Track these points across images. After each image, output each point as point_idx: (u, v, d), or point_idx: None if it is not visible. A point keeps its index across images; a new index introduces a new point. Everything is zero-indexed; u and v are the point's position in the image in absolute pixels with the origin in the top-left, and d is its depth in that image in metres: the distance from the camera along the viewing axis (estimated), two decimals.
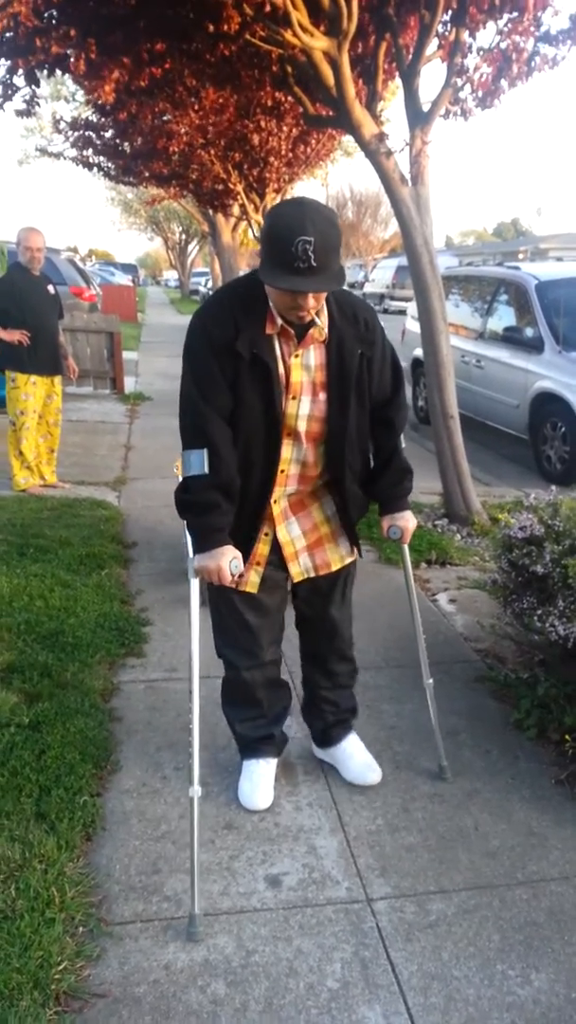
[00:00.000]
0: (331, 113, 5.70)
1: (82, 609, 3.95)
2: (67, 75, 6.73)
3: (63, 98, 21.59)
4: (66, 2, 5.08)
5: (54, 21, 5.38)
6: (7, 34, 5.23)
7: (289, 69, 5.87)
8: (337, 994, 1.99)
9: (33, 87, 6.19)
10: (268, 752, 2.76)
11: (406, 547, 2.68)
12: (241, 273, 21.36)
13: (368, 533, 4.95)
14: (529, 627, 3.28)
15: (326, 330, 2.24)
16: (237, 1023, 1.90)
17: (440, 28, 5.48)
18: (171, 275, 59.21)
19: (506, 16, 5.42)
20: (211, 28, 5.39)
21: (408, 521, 2.56)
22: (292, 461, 2.37)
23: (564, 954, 2.13)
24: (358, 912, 2.25)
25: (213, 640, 2.66)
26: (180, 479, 2.29)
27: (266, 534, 2.46)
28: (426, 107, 5.49)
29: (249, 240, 21.09)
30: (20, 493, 6.01)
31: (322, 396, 2.29)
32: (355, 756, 2.86)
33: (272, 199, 14.78)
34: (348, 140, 13.23)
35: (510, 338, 7.83)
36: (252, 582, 2.50)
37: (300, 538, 2.53)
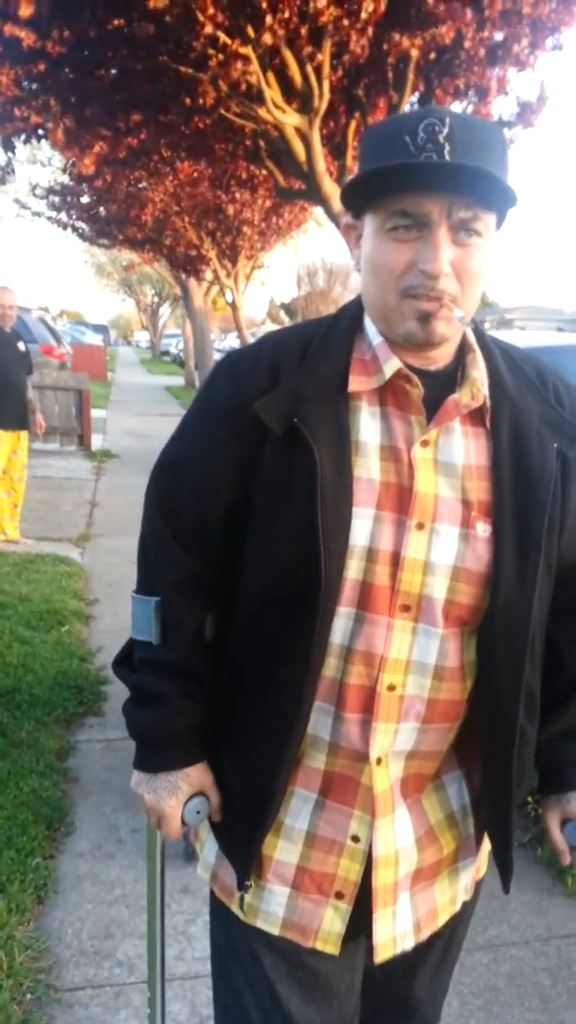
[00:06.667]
0: (302, 186, 5.92)
1: (40, 666, 3.90)
2: (44, 141, 6.94)
3: (39, 162, 22.06)
4: (46, 74, 5.26)
5: (34, 89, 5.57)
6: None
7: (262, 143, 6.10)
8: None
9: (10, 154, 6.39)
10: None
11: None
12: (213, 337, 21.45)
13: None
14: None
15: (485, 390, 1.10)
16: None
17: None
18: (143, 336, 59.90)
19: (468, 99, 5.74)
20: (187, 101, 5.61)
21: None
22: (412, 668, 1.10)
23: (524, 1020, 2.10)
24: None
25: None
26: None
27: (355, 838, 1.14)
28: None
29: (222, 304, 21.49)
30: None
31: (482, 529, 1.09)
32: None
33: (244, 266, 15.18)
34: (320, 211, 13.65)
35: None
36: (329, 932, 1.16)
37: (410, 854, 1.18)
